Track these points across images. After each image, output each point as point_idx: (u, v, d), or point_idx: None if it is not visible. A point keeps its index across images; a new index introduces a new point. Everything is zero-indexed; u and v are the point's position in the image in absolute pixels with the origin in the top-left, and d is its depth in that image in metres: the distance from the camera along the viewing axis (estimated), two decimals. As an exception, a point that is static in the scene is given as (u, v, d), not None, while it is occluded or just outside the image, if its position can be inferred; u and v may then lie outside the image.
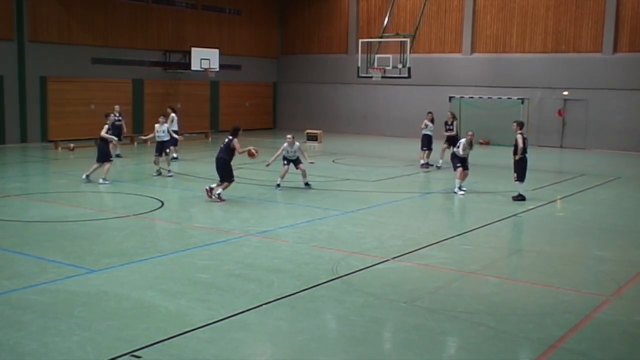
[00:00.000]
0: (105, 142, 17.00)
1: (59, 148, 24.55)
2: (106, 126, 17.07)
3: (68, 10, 26.95)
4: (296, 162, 16.61)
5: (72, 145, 24.37)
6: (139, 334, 6.90)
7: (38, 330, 6.94)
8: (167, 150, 18.23)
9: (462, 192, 15.97)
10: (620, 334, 7.28)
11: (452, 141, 20.05)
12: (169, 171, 18.18)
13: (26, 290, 8.23)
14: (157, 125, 18.38)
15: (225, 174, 14.70)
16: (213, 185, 14.75)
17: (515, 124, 15.43)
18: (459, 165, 16.14)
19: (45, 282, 8.57)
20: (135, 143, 26.56)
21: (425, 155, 20.79)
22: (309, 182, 16.49)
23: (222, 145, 14.98)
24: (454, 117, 20.90)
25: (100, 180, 16.58)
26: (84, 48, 27.56)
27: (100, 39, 28.15)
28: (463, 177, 16.25)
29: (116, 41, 28.70)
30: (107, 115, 17.69)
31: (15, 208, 13.66)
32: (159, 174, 18.13)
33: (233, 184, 14.99)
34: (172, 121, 21.07)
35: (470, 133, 16.61)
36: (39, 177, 19.04)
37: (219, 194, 14.52)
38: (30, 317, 7.32)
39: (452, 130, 20.53)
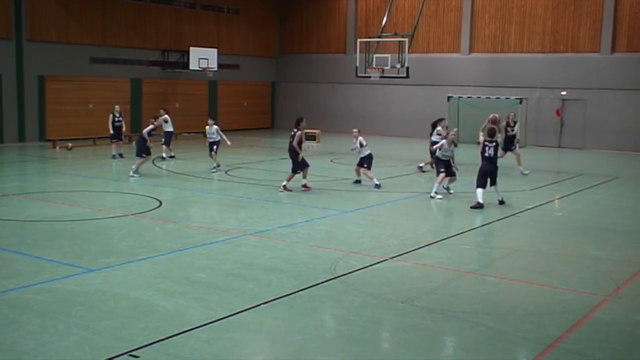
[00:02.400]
0: (142, 138, 18.05)
1: (57, 147, 24.52)
2: (151, 126, 18.46)
3: (66, 10, 26.92)
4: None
5: (70, 144, 24.36)
6: (137, 333, 6.90)
7: (36, 330, 6.93)
8: (214, 148, 19.03)
9: (439, 197, 15.24)
10: (619, 333, 7.28)
11: (510, 143, 19.25)
12: (217, 166, 19.11)
13: (24, 290, 8.21)
14: (207, 127, 19.08)
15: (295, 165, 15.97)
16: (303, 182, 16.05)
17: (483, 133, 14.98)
18: (442, 170, 15.40)
19: (43, 281, 8.56)
20: (134, 143, 26.49)
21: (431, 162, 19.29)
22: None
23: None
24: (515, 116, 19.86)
25: (131, 172, 17.71)
26: (82, 47, 27.54)
27: (99, 38, 28.12)
28: (450, 181, 15.75)
29: (114, 40, 28.68)
30: (156, 117, 19.11)
31: (14, 207, 13.64)
32: (218, 166, 19.08)
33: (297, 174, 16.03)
34: (167, 122, 21.18)
35: (452, 133, 15.84)
36: (37, 177, 19.02)
37: (303, 185, 15.98)
38: (28, 316, 7.31)
39: (513, 130, 19.50)
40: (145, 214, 13.03)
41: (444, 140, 15.63)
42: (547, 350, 6.72)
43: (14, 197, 14.75)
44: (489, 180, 14.59)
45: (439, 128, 18.34)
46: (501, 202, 14.59)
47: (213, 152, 18.91)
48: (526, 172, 19.21)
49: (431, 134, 18.67)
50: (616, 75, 27.86)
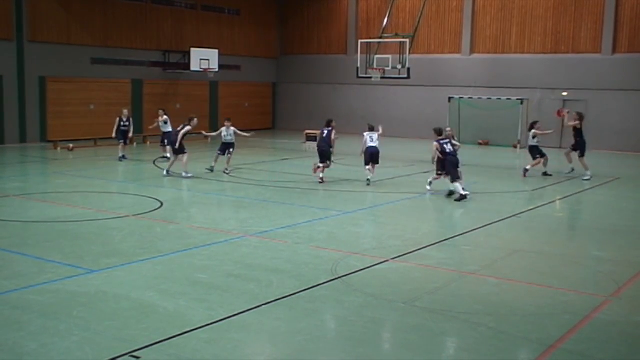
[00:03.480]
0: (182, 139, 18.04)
1: (58, 148, 24.54)
2: (188, 127, 18.11)
3: (67, 10, 26.94)
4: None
5: (71, 145, 24.39)
6: (138, 334, 6.90)
7: (37, 331, 6.94)
8: (231, 150, 18.95)
9: (429, 189, 16.00)
10: (620, 334, 7.28)
11: (583, 146, 19.29)
12: (227, 169, 18.94)
13: (25, 291, 8.22)
14: (223, 129, 18.94)
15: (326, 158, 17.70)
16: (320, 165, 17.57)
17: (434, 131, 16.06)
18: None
19: (44, 282, 8.56)
20: (135, 143, 26.51)
21: (542, 162, 19.26)
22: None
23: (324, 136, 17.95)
24: (580, 118, 19.47)
25: (183, 174, 17.82)
26: (83, 48, 27.56)
27: (100, 39, 28.14)
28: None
29: (115, 41, 28.70)
30: (191, 119, 18.44)
31: (15, 208, 13.65)
32: (211, 170, 18.88)
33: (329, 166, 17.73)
34: (167, 122, 21.14)
35: (449, 129, 16.64)
36: (38, 177, 19.03)
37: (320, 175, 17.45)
38: (30, 317, 7.31)
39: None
40: (146, 215, 13.04)
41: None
42: (548, 351, 6.72)
43: (15, 197, 14.77)
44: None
45: (534, 130, 19.20)
46: (451, 194, 15.32)
47: (229, 155, 18.84)
48: (586, 177, 18.95)
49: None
50: (617, 76, 27.85)
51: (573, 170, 19.50)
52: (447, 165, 15.39)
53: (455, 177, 15.24)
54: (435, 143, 15.62)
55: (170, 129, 21.44)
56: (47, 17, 26.29)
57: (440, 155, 15.52)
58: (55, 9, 26.53)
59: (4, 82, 25.21)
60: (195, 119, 18.59)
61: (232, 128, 18.98)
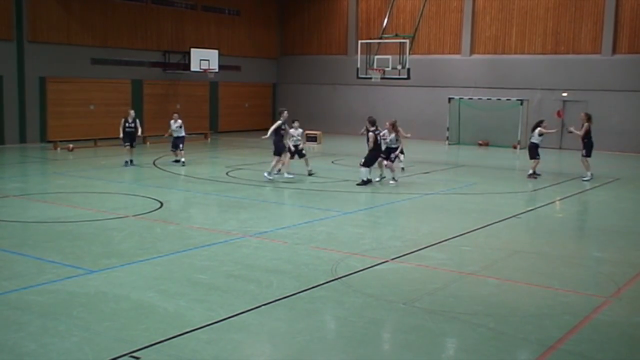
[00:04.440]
0: (278, 135, 17.55)
1: (58, 148, 24.54)
2: (279, 122, 17.66)
3: (67, 11, 26.94)
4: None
5: (71, 145, 24.40)
6: (138, 334, 6.90)
7: (37, 331, 6.93)
8: (304, 152, 18.70)
9: (392, 182, 17.09)
10: (620, 335, 7.28)
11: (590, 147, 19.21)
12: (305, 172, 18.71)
13: (25, 291, 8.22)
14: (292, 130, 18.46)
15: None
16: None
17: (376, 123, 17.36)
18: (383, 157, 17.48)
19: (44, 282, 8.56)
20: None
21: (535, 164, 19.23)
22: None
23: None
24: (587, 120, 19.41)
25: (285, 175, 17.65)
26: (83, 48, 27.56)
27: (100, 39, 28.14)
28: (391, 168, 17.34)
29: (115, 42, 28.70)
30: (281, 112, 18.07)
31: (15, 208, 13.65)
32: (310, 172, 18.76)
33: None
34: (181, 127, 20.76)
35: (389, 121, 17.72)
36: (38, 178, 19.03)
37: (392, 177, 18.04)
38: (29, 317, 7.31)
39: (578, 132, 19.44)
40: (146, 215, 13.04)
41: (385, 130, 17.52)
42: (548, 351, 6.72)
43: (15, 198, 14.77)
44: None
45: (540, 128, 19.24)
46: (364, 182, 16.83)
47: (305, 157, 18.52)
48: (585, 178, 18.97)
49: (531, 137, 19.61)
50: (617, 77, 27.86)
51: (592, 175, 19.04)
52: (370, 153, 16.88)
53: (368, 164, 16.81)
54: (372, 134, 16.91)
55: (183, 134, 20.93)
56: (47, 17, 26.29)
57: (372, 144, 16.82)
58: (55, 9, 26.53)
59: (4, 82, 25.21)
60: (285, 112, 18.02)
61: (300, 129, 18.64)
